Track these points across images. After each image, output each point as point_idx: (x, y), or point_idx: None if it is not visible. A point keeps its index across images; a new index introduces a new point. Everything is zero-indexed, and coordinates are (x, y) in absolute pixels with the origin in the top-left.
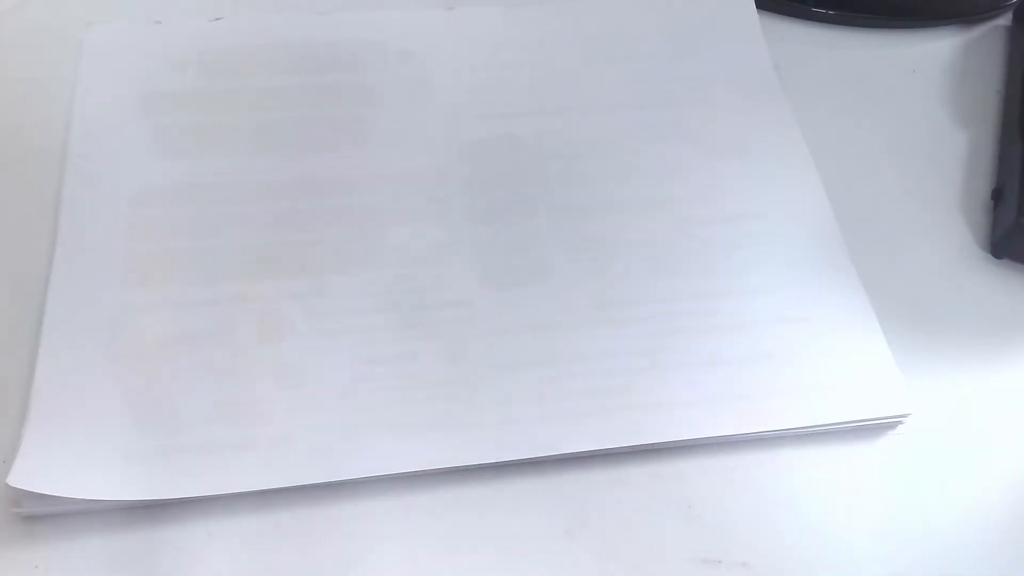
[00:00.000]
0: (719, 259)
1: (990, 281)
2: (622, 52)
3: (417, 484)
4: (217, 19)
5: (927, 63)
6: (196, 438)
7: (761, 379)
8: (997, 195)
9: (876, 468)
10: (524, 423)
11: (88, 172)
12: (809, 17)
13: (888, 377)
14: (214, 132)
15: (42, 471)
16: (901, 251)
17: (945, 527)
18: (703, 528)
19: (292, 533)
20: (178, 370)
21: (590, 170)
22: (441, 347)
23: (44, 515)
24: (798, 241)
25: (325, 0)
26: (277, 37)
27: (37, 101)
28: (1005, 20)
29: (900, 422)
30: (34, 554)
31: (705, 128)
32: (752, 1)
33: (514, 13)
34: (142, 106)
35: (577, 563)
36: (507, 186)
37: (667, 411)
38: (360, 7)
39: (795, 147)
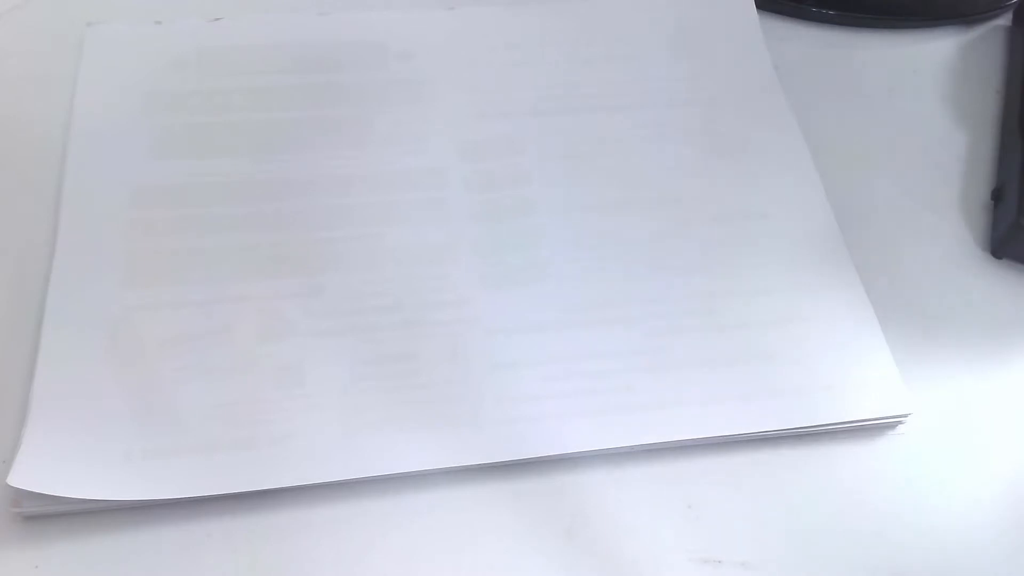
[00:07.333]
0: (719, 259)
1: (990, 281)
2: (622, 52)
3: (417, 484)
4: (217, 19)
5: (927, 63)
6: (196, 438)
7: (761, 379)
8: (997, 195)
9: (876, 468)
10: (524, 423)
11: (88, 172)
12: (809, 17)
13: (888, 377)
14: (214, 132)
15: (42, 471)
16: (901, 251)
17: (945, 527)
18: (703, 528)
19: (292, 533)
20: (178, 370)
21: (590, 170)
22: (441, 347)
23: (44, 515)
24: (798, 241)
25: (325, 0)
26: (277, 37)
27: (37, 101)
28: (1005, 20)
29: (900, 422)
30: (34, 554)
31: (705, 128)
32: (752, 1)
33: (514, 13)
34: (142, 106)
35: (577, 563)
36: (507, 186)
37: (667, 411)
38: (360, 7)
39: (795, 147)
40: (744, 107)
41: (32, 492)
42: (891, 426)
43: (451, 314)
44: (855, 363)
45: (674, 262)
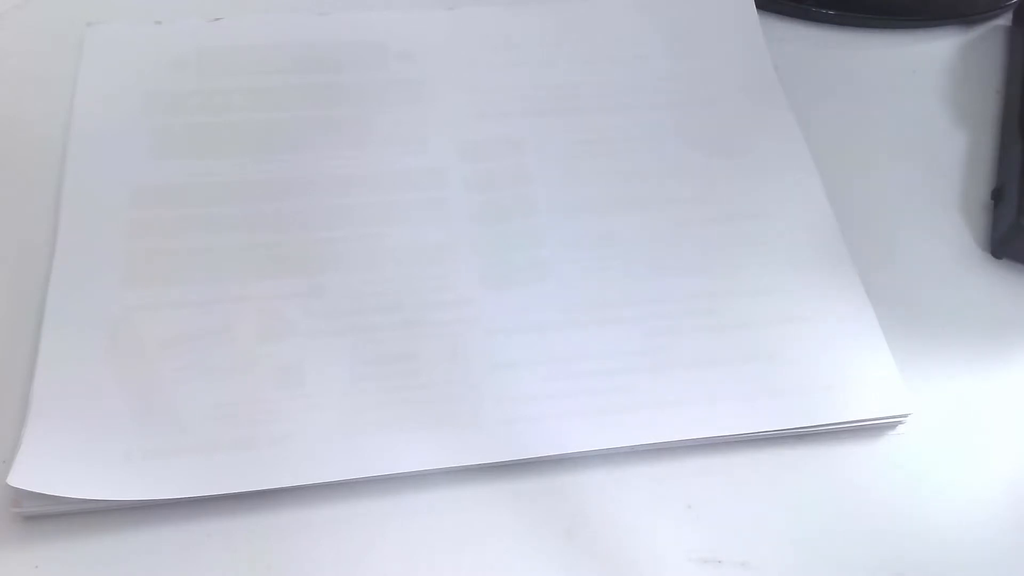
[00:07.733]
0: (719, 259)
1: (990, 281)
2: (622, 52)
3: (417, 484)
4: (217, 19)
5: (927, 63)
6: (196, 438)
7: (761, 379)
8: (997, 195)
9: (876, 468)
10: (523, 423)
11: (88, 172)
12: (809, 17)
13: (888, 377)
14: (214, 132)
15: (42, 471)
16: (901, 251)
17: (945, 527)
18: (703, 528)
19: (292, 533)
20: (178, 370)
21: (590, 170)
22: (441, 347)
23: (44, 515)
24: (798, 241)
25: (325, 0)
26: (277, 37)
27: (37, 101)
28: (1005, 20)
29: (900, 422)
30: (34, 554)
31: (705, 128)
32: (752, 1)
33: (514, 13)
34: (142, 106)
35: (577, 563)
36: (507, 186)
37: (667, 411)
38: (360, 7)
39: (795, 147)
40: (744, 107)
41: (32, 492)
42: (891, 426)
43: (451, 314)
44: (855, 363)
45: (674, 262)
